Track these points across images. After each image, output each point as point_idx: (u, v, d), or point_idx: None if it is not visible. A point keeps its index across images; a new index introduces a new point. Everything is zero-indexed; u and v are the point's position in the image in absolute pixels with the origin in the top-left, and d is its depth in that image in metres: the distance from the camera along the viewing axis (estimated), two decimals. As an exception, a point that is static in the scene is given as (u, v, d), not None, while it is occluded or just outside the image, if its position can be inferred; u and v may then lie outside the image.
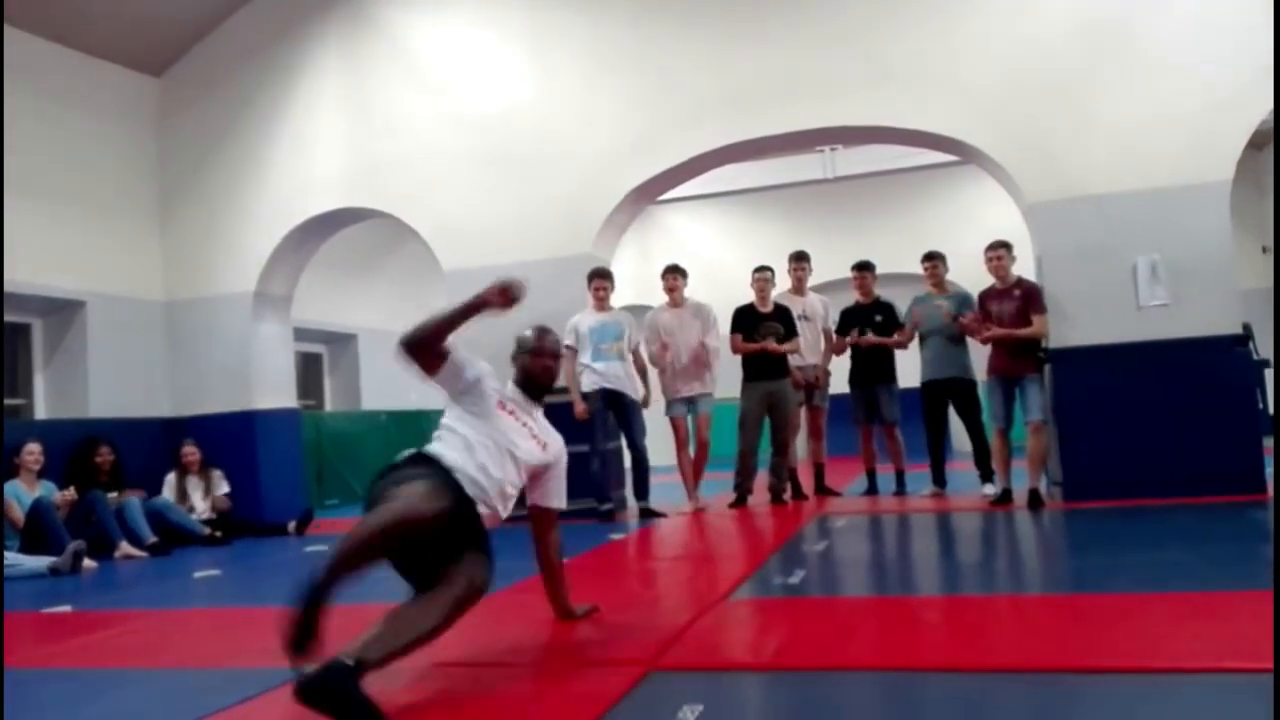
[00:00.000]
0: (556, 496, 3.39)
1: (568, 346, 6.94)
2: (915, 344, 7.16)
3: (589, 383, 6.86)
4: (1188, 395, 6.14)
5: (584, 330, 6.92)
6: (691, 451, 7.16)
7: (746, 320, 7.13)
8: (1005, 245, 6.45)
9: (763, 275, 7.24)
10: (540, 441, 3.30)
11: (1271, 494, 5.82)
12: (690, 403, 7.10)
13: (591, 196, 7.51)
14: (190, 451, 7.62)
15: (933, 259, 7.10)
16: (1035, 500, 6.09)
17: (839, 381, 7.58)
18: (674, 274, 7.21)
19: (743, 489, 7.12)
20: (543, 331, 3.44)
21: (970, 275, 7.27)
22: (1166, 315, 6.24)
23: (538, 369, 3.38)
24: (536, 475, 3.32)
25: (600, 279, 7.03)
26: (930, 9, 6.85)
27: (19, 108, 7.35)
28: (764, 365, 7.05)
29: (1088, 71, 6.51)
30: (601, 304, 7.02)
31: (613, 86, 7.54)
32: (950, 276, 7.16)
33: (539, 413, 3.40)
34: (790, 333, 7.12)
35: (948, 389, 6.87)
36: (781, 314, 7.17)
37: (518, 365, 3.42)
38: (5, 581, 5.59)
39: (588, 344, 6.90)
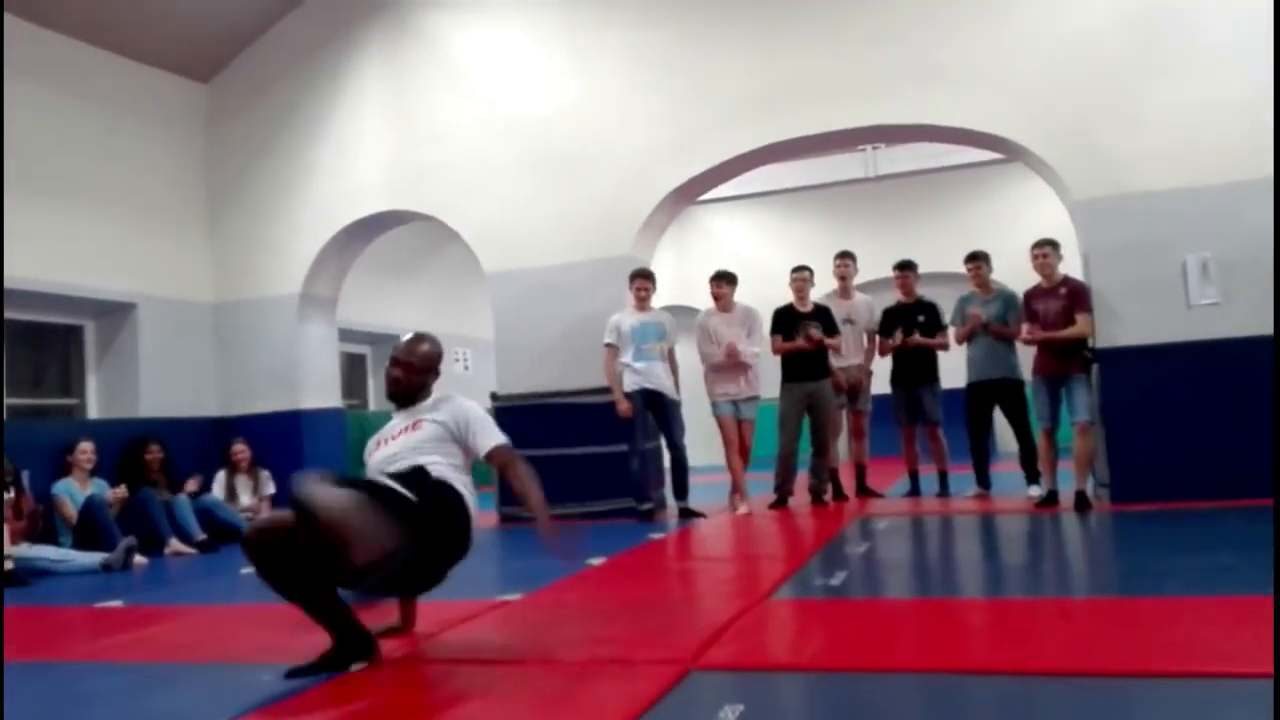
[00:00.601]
0: (483, 443, 3.33)
1: (608, 345, 6.97)
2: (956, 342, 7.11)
3: (630, 382, 6.88)
4: (1238, 396, 6.01)
5: (625, 329, 6.94)
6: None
7: (785, 320, 7.12)
8: (1052, 243, 6.36)
9: (800, 275, 7.23)
10: (411, 427, 3.35)
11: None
12: (735, 405, 7.05)
13: (630, 198, 7.53)
14: (240, 450, 7.74)
15: (975, 260, 7.01)
16: (1082, 502, 6.00)
17: (881, 382, 7.53)
18: (720, 281, 7.17)
19: (783, 490, 7.09)
20: (408, 341, 3.49)
21: (1016, 274, 7.18)
22: (1217, 314, 6.12)
23: (385, 380, 3.50)
24: (461, 444, 3.34)
25: (642, 279, 7.05)
26: (972, 3, 6.78)
27: (72, 113, 7.55)
28: (803, 366, 7.03)
29: (1134, 65, 6.40)
30: (643, 304, 7.03)
31: (651, 88, 7.55)
32: (995, 275, 7.07)
33: (426, 408, 3.43)
34: (830, 332, 7.10)
35: (995, 389, 6.78)
36: (821, 313, 7.15)
37: None
38: (59, 577, 5.74)
39: (629, 343, 6.91)
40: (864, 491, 7.45)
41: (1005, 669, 2.71)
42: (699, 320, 7.25)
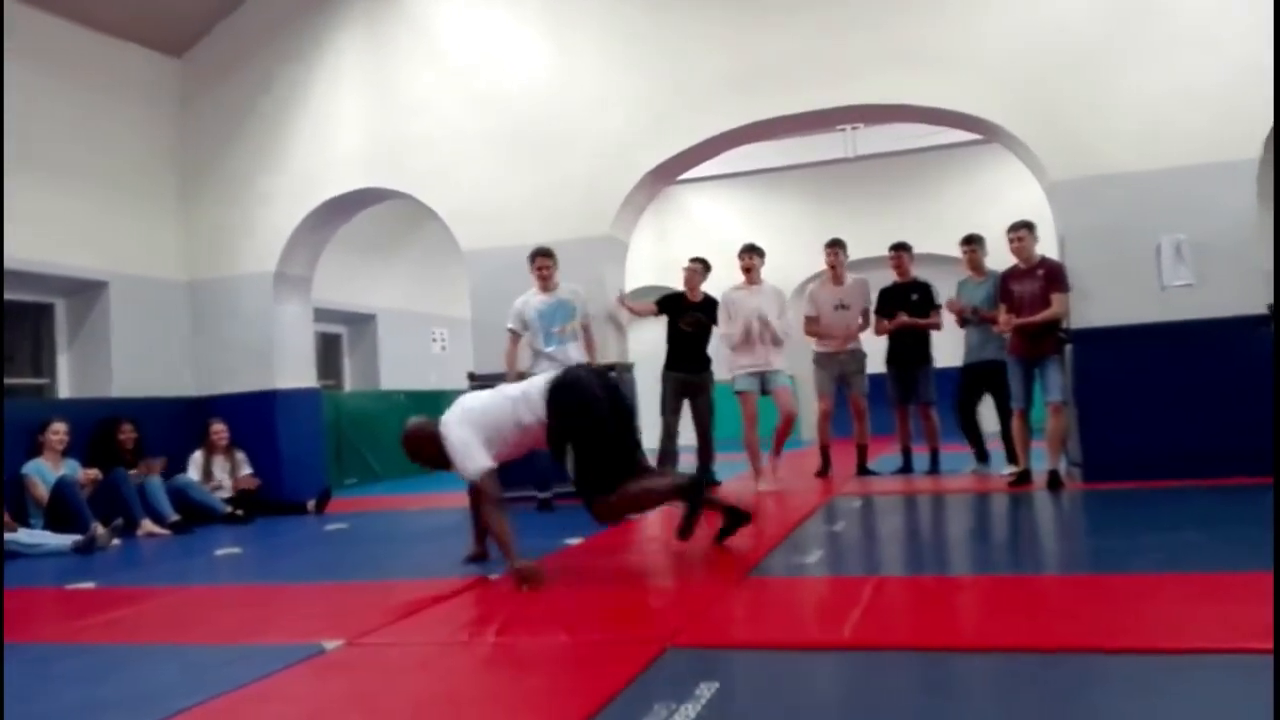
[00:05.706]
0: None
1: (511, 330, 6.69)
2: (953, 325, 7.17)
3: (546, 370, 6.47)
4: (1210, 376, 6.08)
5: (531, 314, 6.62)
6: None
7: (673, 307, 7.34)
8: (1027, 225, 6.38)
9: (692, 267, 7.37)
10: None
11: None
12: (761, 378, 6.83)
13: (610, 177, 7.49)
14: (220, 430, 7.68)
15: (971, 243, 7.07)
16: (1054, 481, 6.05)
17: (876, 362, 7.56)
18: (751, 254, 6.97)
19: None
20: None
21: (994, 254, 7.21)
22: (1190, 295, 6.17)
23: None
24: None
25: (543, 258, 6.71)
26: (951, -15, 6.77)
27: (41, 88, 7.40)
28: (683, 356, 7.28)
29: (1111, 47, 6.42)
30: (546, 284, 6.72)
31: (631, 66, 7.49)
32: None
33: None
34: (710, 321, 7.22)
35: (987, 370, 6.85)
36: (708, 305, 7.29)
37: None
38: (30, 559, 5.68)
39: (538, 328, 6.60)
40: (864, 472, 7.47)
41: (979, 645, 2.74)
42: (723, 298, 6.99)
